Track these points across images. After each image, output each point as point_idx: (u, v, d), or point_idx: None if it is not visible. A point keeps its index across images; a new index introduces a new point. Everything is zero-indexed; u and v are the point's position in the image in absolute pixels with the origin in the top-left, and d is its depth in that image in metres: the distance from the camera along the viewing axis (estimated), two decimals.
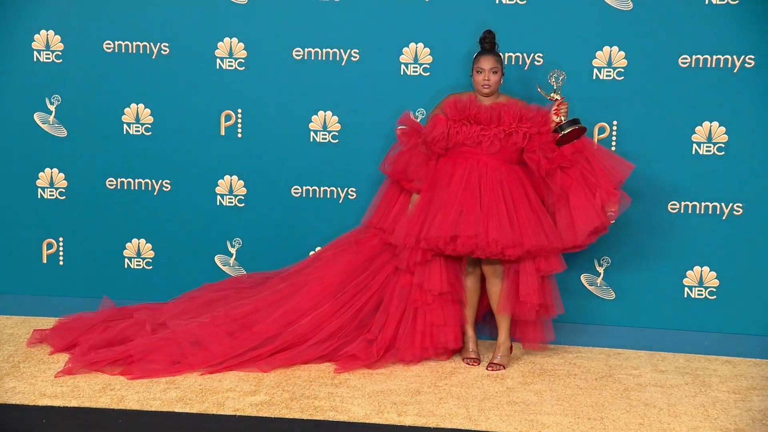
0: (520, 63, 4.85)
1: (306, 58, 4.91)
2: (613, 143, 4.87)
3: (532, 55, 4.84)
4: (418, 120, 4.75)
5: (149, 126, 5.01)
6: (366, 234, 4.64)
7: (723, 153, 4.79)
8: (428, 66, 4.90)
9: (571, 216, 4.39)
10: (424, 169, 4.44)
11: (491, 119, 4.39)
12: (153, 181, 5.05)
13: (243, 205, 5.03)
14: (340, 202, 5.01)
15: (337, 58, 4.90)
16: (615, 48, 4.79)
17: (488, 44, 4.48)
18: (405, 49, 4.90)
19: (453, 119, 4.38)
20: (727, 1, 4.70)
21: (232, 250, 5.06)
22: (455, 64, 4.82)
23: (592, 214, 4.38)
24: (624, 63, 4.80)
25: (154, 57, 4.96)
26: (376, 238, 4.58)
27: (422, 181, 4.44)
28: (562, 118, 4.37)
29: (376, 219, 4.57)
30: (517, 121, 4.38)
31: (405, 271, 4.43)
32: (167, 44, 4.95)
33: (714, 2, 4.71)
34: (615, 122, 4.83)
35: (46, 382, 4.23)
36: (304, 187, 5.00)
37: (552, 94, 4.41)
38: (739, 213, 4.79)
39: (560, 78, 4.36)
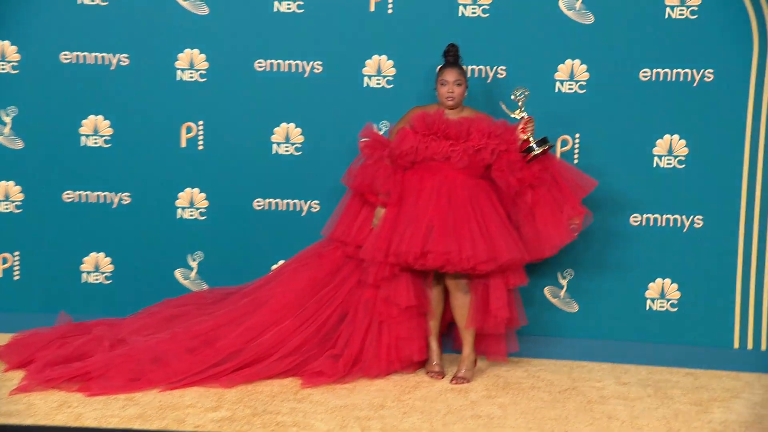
0: (483, 76, 4.84)
1: (268, 69, 4.87)
2: (576, 156, 4.88)
3: (495, 68, 4.84)
4: (381, 133, 4.72)
5: (108, 138, 4.91)
6: (328, 247, 4.59)
7: (683, 166, 4.83)
8: (391, 78, 4.88)
9: (538, 231, 4.41)
10: (390, 182, 4.42)
11: (460, 134, 4.38)
12: (112, 194, 4.96)
13: (204, 218, 4.97)
14: (303, 215, 4.97)
15: (300, 70, 4.87)
16: (577, 61, 4.80)
17: (452, 57, 4.48)
18: (368, 62, 4.87)
19: (421, 133, 4.36)
20: (686, 16, 4.73)
21: (193, 264, 5.00)
22: (418, 76, 4.80)
23: (560, 230, 4.41)
24: (586, 76, 4.82)
25: (113, 68, 4.87)
26: (339, 251, 4.54)
27: (389, 195, 4.42)
28: (530, 136, 4.38)
29: (338, 231, 4.53)
30: (486, 137, 4.37)
31: (371, 285, 4.39)
32: (126, 55, 4.88)
33: (673, 17, 4.74)
34: (577, 135, 4.86)
35: (1, 401, 4.11)
36: (267, 200, 4.95)
37: (517, 112, 4.40)
38: (699, 225, 4.82)
39: (524, 95, 4.36)
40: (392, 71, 4.86)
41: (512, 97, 4.41)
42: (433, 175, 4.41)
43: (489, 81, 4.84)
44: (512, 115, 4.41)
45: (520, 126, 4.37)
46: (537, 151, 4.33)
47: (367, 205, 4.55)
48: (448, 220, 4.29)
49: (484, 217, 4.34)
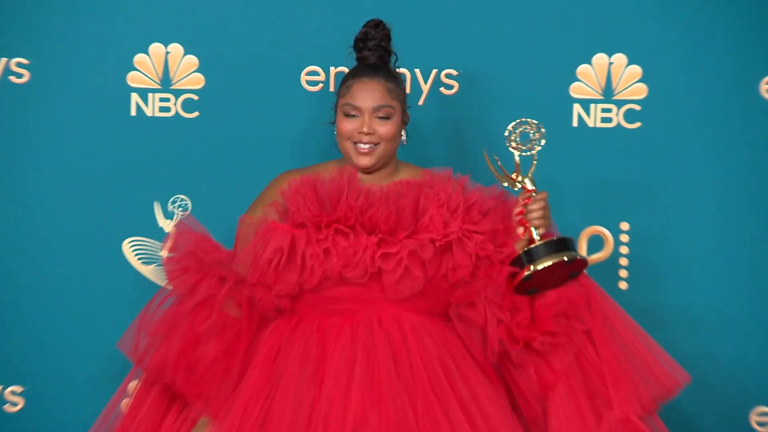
0: (411, 90, 3.21)
1: None
2: (624, 273, 3.22)
3: (435, 72, 3.18)
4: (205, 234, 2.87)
5: None
6: None
7: None
8: (195, 96, 3.13)
9: None
10: (237, 357, 2.77)
11: (399, 217, 2.77)
12: None
13: None
14: None
15: None
16: (619, 56, 3.17)
17: (374, 52, 2.81)
18: (139, 58, 3.13)
19: (312, 223, 2.74)
20: None
21: None
22: (275, 93, 3.15)
23: None
24: (642, 91, 3.17)
25: None
26: None
27: (218, 393, 2.75)
28: (534, 231, 2.75)
29: None
30: (461, 214, 2.74)
31: None
32: None
33: None
34: (625, 226, 3.22)
35: None
36: None
37: (514, 175, 2.77)
38: None
39: (533, 139, 2.75)
40: (198, 80, 3.14)
41: (507, 140, 2.78)
42: (346, 321, 2.86)
43: (421, 102, 3.21)
44: (503, 183, 2.83)
45: (517, 209, 2.76)
46: (543, 263, 2.61)
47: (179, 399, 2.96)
48: (405, 414, 2.74)
49: (475, 399, 2.78)
